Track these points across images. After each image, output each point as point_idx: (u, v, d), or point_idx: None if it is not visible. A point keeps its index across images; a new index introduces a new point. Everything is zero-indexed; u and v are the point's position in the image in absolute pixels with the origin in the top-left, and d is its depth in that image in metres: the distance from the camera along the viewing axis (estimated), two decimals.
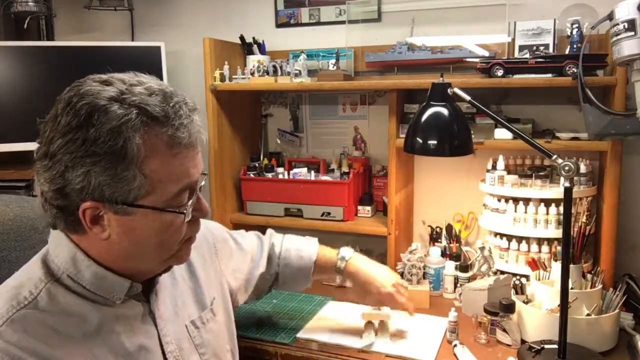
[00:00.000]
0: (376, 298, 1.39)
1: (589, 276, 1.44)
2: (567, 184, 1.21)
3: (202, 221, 1.21)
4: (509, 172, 1.69)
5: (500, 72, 1.61)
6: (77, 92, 0.80)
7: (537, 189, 1.64)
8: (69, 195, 0.79)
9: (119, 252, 0.85)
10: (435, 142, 1.35)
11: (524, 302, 1.44)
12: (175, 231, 0.85)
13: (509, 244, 1.69)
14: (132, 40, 2.36)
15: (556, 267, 1.44)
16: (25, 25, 2.22)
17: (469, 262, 1.74)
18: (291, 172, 2.00)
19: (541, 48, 1.70)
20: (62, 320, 0.82)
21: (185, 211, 0.84)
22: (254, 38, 2.04)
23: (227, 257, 1.24)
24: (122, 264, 0.86)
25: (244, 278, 1.29)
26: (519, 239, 1.68)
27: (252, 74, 1.92)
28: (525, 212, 1.64)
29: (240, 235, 1.35)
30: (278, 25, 2.14)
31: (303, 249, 1.40)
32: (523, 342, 1.38)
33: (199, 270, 1.08)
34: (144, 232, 0.83)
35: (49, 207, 0.83)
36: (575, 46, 1.60)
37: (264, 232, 1.43)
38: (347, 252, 1.41)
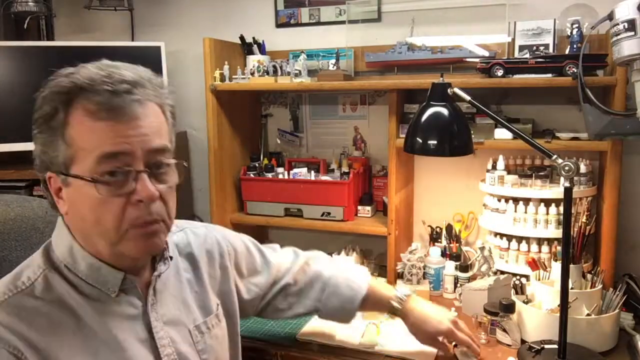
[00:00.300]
0: (433, 337, 1.29)
1: (589, 276, 1.44)
2: (567, 184, 1.21)
3: (223, 230, 1.19)
4: (509, 172, 1.69)
5: (500, 72, 1.61)
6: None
7: (537, 189, 1.64)
8: (40, 167, 0.85)
9: (77, 229, 0.86)
10: (435, 142, 1.35)
11: (524, 302, 1.44)
12: (106, 206, 0.80)
13: (509, 244, 1.69)
14: (132, 40, 2.36)
15: (556, 267, 1.44)
16: (25, 25, 2.22)
17: (469, 262, 1.74)
18: (291, 172, 1.99)
19: (541, 48, 1.70)
20: (55, 310, 0.83)
21: (97, 180, 0.79)
22: (254, 38, 2.04)
23: (248, 270, 1.21)
24: (89, 244, 0.86)
25: (261, 293, 1.24)
26: (519, 239, 1.68)
27: (252, 74, 1.92)
28: (525, 212, 1.64)
29: (271, 250, 1.30)
30: (278, 25, 2.14)
31: (354, 279, 1.31)
32: (523, 342, 1.38)
33: (205, 275, 1.07)
34: (81, 204, 0.82)
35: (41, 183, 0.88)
36: (575, 46, 1.60)
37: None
38: (404, 291, 1.32)
